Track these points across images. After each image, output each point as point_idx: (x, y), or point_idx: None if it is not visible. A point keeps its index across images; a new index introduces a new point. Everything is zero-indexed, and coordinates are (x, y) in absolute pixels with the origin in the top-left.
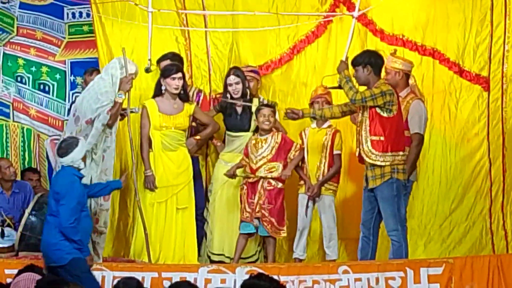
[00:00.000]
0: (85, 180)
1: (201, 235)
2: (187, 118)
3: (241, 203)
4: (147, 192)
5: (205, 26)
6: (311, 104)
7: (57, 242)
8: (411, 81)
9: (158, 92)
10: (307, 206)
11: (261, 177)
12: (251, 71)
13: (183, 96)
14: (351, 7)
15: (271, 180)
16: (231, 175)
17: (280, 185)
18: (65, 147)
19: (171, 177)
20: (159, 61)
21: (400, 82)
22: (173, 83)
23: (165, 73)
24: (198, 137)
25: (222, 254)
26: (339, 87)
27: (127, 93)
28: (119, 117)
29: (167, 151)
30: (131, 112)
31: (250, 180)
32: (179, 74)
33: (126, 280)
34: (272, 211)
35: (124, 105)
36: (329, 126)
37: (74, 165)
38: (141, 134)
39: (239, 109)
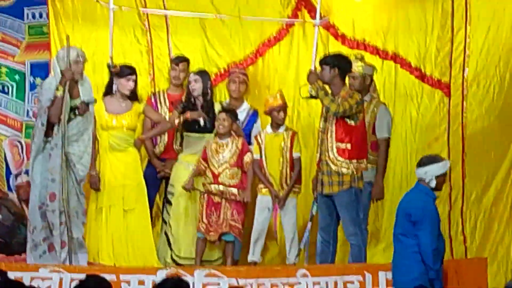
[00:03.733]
0: (38, 181)
1: None
2: (136, 117)
3: (198, 214)
4: (96, 196)
5: (167, 29)
6: (269, 113)
7: (410, 264)
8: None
9: (109, 90)
10: (275, 214)
11: (222, 193)
12: (243, 73)
13: (132, 95)
14: (313, 11)
15: (233, 190)
16: (190, 188)
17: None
18: (426, 159)
19: (120, 177)
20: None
21: (366, 87)
22: (128, 84)
23: (121, 73)
24: (142, 136)
25: (193, 258)
26: (312, 96)
27: (66, 85)
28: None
29: (115, 152)
30: (88, 104)
31: (214, 200)
32: (134, 76)
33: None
34: (242, 219)
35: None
36: (286, 129)
37: (426, 180)
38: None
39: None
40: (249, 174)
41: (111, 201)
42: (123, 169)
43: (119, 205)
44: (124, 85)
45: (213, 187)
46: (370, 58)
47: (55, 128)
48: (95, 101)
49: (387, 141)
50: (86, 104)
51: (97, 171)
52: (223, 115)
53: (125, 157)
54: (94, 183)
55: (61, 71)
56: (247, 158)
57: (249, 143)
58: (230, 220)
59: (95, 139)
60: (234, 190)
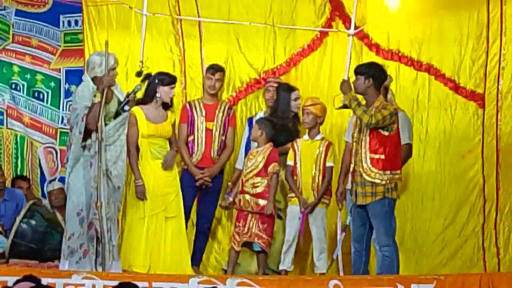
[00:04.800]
0: (76, 188)
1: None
2: (171, 126)
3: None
4: (141, 205)
5: (200, 37)
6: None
7: None
8: (389, 96)
9: (149, 99)
10: (302, 221)
11: (248, 202)
12: (278, 82)
13: (165, 104)
14: (347, 21)
15: (257, 200)
16: (228, 205)
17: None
18: None
19: (163, 185)
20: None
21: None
22: (170, 93)
23: (165, 81)
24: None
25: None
26: (345, 106)
27: (104, 91)
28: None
29: (156, 160)
30: (135, 92)
31: (244, 212)
32: (175, 85)
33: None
34: (267, 230)
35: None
36: (323, 139)
37: None
38: (129, 142)
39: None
40: (272, 185)
41: (154, 210)
42: (164, 177)
43: (162, 213)
44: (167, 93)
45: (241, 197)
46: (404, 69)
47: (93, 135)
48: (141, 87)
49: (409, 147)
50: (133, 93)
51: (143, 181)
52: (256, 125)
53: None
54: (141, 192)
55: (99, 78)
56: (271, 168)
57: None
58: (257, 231)
59: (133, 146)
60: (260, 201)
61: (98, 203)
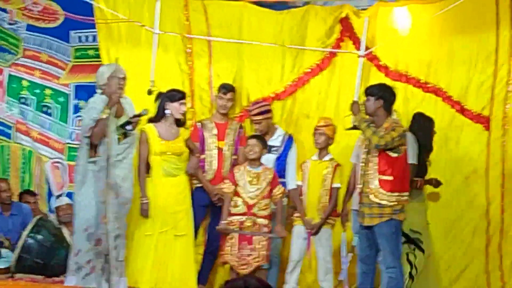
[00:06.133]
0: (84, 204)
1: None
2: (184, 143)
3: (227, 245)
4: (150, 221)
5: (210, 55)
6: (314, 133)
7: None
8: (394, 115)
9: (160, 116)
10: (308, 241)
11: (254, 225)
12: (258, 113)
13: (181, 120)
14: (356, 42)
15: (264, 221)
16: (225, 229)
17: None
18: None
19: (173, 203)
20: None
21: None
22: (180, 108)
23: (173, 98)
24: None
25: None
26: (355, 127)
27: (112, 107)
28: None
29: (168, 177)
30: (140, 115)
31: (248, 236)
32: (185, 100)
33: None
34: (268, 245)
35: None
36: (331, 160)
37: None
38: (139, 159)
39: None
40: (280, 208)
41: (163, 227)
42: (175, 194)
43: (171, 231)
44: (177, 109)
45: (246, 219)
46: (412, 90)
47: (101, 149)
48: (147, 112)
49: (413, 167)
50: (138, 116)
51: (148, 199)
52: (254, 140)
53: (178, 182)
54: (145, 210)
55: (103, 89)
56: (277, 190)
57: (284, 169)
58: (264, 251)
59: (143, 163)
60: (266, 222)
61: (105, 219)
